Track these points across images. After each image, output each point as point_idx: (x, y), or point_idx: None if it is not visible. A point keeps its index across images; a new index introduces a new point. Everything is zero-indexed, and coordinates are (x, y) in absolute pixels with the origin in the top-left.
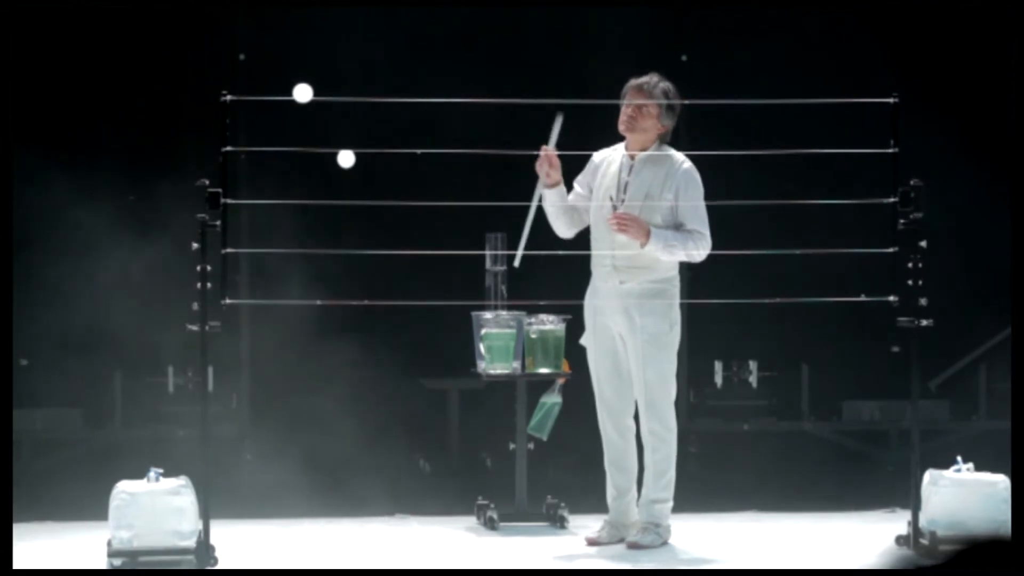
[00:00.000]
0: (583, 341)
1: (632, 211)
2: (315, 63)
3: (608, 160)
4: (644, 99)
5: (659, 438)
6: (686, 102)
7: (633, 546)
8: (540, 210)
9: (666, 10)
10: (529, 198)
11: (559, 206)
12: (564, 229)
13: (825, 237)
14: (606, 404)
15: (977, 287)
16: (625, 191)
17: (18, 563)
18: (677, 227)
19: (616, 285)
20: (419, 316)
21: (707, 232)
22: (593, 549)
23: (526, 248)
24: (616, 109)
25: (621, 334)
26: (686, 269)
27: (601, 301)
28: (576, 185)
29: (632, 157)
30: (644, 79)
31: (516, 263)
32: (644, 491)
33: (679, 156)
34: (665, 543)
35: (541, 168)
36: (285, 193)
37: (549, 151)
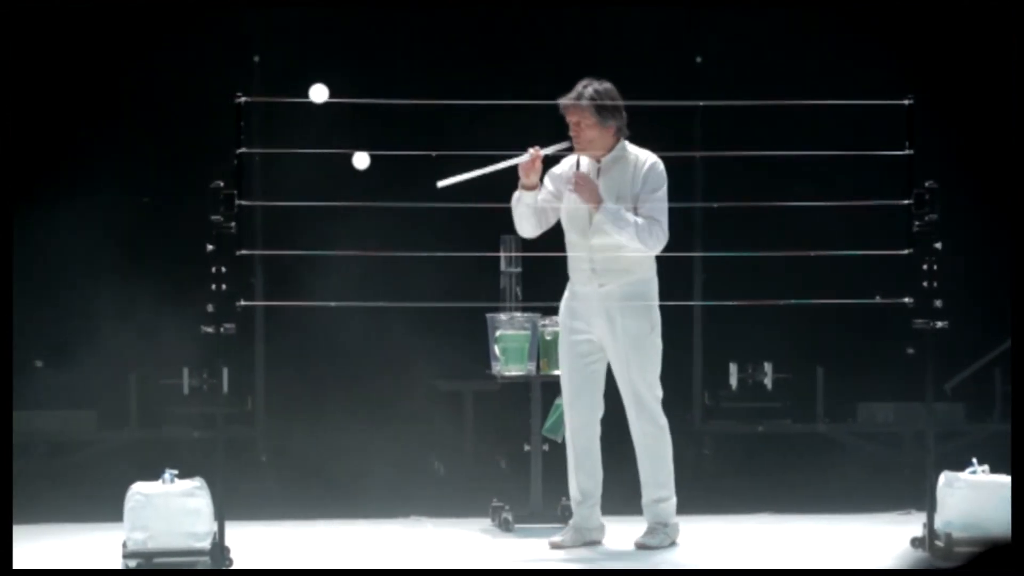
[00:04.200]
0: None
1: None
2: (330, 65)
3: (575, 165)
4: (576, 115)
5: (652, 437)
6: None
7: (642, 547)
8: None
9: (681, 11)
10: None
11: (531, 207)
12: (531, 230)
13: (840, 239)
14: (577, 410)
15: (992, 289)
16: None
17: (33, 564)
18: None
19: (596, 289)
20: (434, 318)
21: (664, 223)
22: (606, 551)
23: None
24: (626, 110)
25: (600, 338)
26: (699, 271)
27: (580, 305)
28: (547, 181)
29: (598, 161)
30: (570, 96)
31: (440, 183)
32: (645, 492)
33: (643, 153)
34: (674, 542)
35: (525, 170)
36: (300, 195)
37: (537, 156)
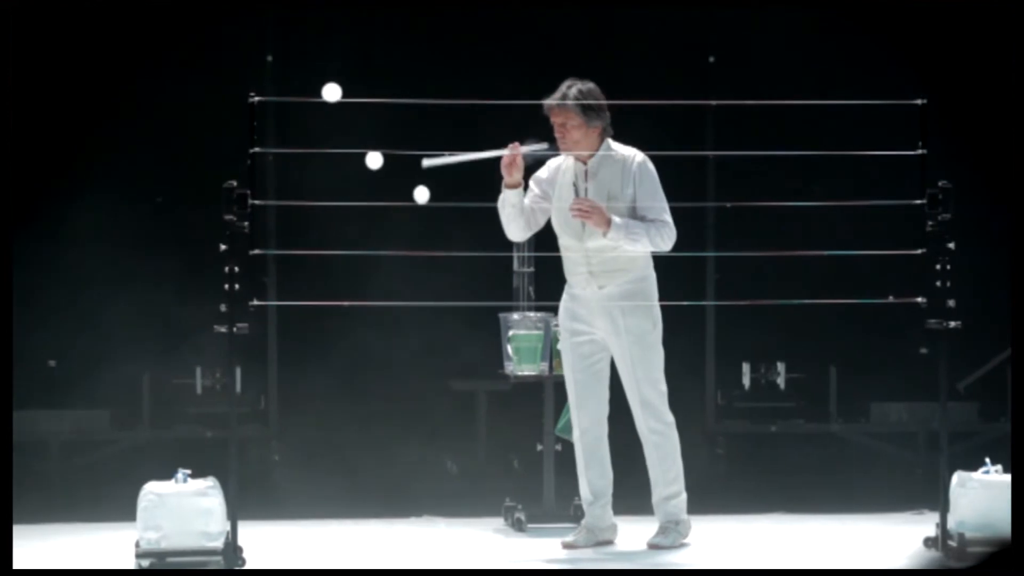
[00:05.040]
0: (560, 347)
1: None
2: (343, 64)
3: (563, 168)
4: (561, 116)
5: (659, 434)
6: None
7: (654, 547)
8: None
9: (693, 12)
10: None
11: (517, 207)
12: (519, 232)
13: (852, 239)
14: (583, 410)
15: (1006, 288)
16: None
17: (45, 563)
18: (640, 220)
19: (596, 291)
20: (447, 317)
21: (669, 220)
22: (619, 551)
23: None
24: (639, 110)
25: (603, 338)
26: (712, 271)
27: (580, 308)
28: (533, 184)
29: (584, 163)
30: (555, 97)
31: (425, 163)
32: (655, 490)
33: (630, 151)
34: (686, 540)
35: (507, 168)
36: (312, 194)
37: (517, 153)
